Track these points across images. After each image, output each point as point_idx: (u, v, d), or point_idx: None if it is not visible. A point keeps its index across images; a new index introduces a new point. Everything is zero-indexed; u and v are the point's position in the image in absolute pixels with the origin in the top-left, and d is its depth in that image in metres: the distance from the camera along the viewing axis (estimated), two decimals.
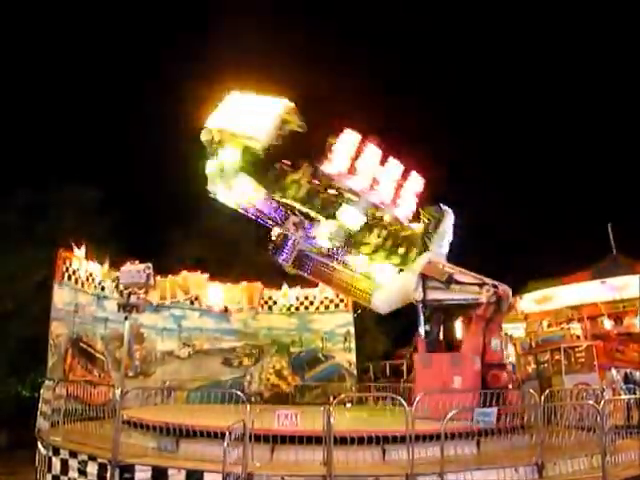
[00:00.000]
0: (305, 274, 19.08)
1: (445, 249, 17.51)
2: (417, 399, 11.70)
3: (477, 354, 15.03)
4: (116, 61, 45.98)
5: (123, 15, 48.40)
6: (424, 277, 15.97)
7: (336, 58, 45.71)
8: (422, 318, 16.19)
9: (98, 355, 21.67)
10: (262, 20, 45.00)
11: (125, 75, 45.14)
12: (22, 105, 35.16)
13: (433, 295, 15.85)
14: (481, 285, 15.28)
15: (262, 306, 27.07)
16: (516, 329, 27.16)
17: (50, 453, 13.19)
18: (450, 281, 15.55)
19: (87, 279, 21.59)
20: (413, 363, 18.26)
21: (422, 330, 16.20)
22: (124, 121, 40.43)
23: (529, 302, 25.86)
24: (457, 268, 16.08)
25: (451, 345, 16.93)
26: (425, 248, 16.92)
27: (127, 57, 45.96)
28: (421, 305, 16.08)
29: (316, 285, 26.16)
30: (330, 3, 52.71)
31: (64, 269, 20.51)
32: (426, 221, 17.27)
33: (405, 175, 17.58)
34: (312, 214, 17.72)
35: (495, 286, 15.26)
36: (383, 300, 17.38)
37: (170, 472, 10.97)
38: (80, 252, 21.35)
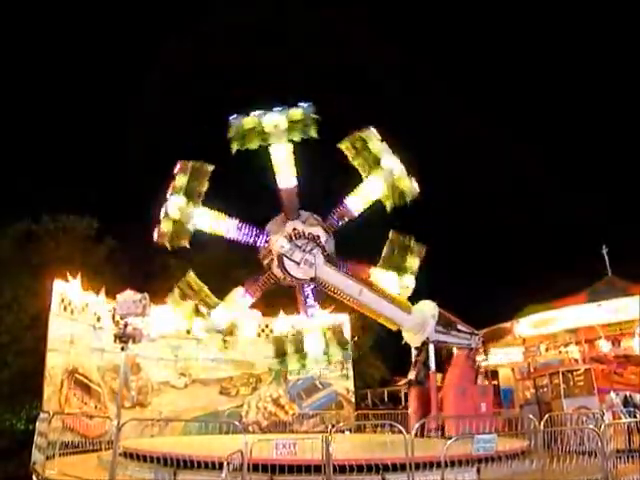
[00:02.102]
0: (341, 272, 18.34)
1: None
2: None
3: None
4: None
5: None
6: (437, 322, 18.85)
7: None
8: (433, 355, 19.13)
9: (94, 386, 21.46)
10: None
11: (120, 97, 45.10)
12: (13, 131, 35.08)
13: (438, 337, 18.96)
14: (471, 334, 19.42)
15: (259, 334, 26.83)
16: (514, 354, 27.08)
17: None
18: (453, 328, 19.02)
19: (83, 309, 21.42)
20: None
21: (433, 365, 19.06)
22: (118, 145, 40.41)
23: (526, 326, 25.70)
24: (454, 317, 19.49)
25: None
26: None
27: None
28: (431, 344, 19.02)
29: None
30: None
31: (60, 300, 20.34)
32: None
33: None
34: None
35: (482, 336, 20.11)
36: (417, 318, 18.82)
37: None
38: (76, 282, 21.19)
